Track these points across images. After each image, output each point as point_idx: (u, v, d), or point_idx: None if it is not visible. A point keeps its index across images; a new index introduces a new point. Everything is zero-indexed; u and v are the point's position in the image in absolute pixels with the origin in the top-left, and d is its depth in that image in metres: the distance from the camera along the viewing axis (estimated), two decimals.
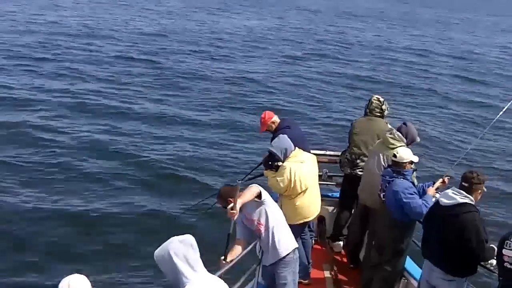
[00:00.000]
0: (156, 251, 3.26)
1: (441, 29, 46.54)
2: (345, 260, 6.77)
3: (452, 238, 4.53)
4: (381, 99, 6.73)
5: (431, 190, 5.54)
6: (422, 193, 5.52)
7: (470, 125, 17.17)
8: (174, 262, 3.16)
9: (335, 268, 6.46)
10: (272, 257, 4.94)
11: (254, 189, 4.86)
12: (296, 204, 5.65)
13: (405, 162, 5.46)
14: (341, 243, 6.96)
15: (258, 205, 4.85)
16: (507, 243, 4.18)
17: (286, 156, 5.63)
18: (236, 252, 4.84)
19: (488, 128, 7.26)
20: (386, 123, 6.67)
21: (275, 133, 6.40)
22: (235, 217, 4.63)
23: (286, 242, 4.96)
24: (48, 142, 12.11)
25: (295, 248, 5.06)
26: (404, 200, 5.25)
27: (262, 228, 4.87)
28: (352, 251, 6.67)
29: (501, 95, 22.03)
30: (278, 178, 5.50)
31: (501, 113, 6.57)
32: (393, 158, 5.53)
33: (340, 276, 6.35)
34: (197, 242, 3.19)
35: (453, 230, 4.52)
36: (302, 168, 5.66)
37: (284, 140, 5.73)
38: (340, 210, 6.99)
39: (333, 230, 7.03)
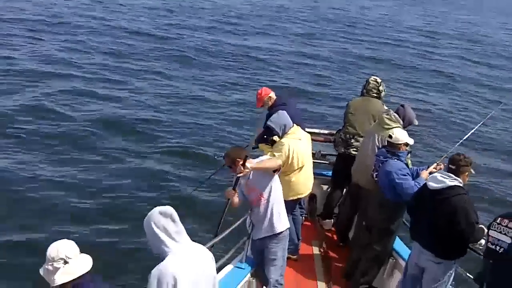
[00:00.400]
0: (144, 220, 3.30)
1: (449, 9, 46.03)
2: (334, 238, 6.82)
3: (442, 221, 4.53)
4: (379, 80, 6.70)
5: (424, 173, 5.54)
6: (416, 176, 5.51)
7: (473, 110, 17.06)
8: (155, 233, 3.22)
9: (324, 245, 6.52)
10: (266, 231, 4.93)
11: (277, 161, 4.87)
12: (292, 180, 5.66)
13: (400, 144, 5.46)
14: (331, 221, 7.01)
15: (267, 177, 4.81)
16: (493, 224, 4.25)
17: (284, 132, 5.64)
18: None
19: (486, 119, 7.24)
20: (383, 104, 6.65)
21: (271, 109, 6.37)
22: (242, 175, 4.58)
23: (284, 218, 4.98)
24: (62, 117, 12.05)
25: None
26: (397, 180, 5.26)
27: (262, 201, 4.84)
28: (342, 230, 6.71)
29: (507, 77, 22.00)
30: (276, 154, 5.48)
31: (500, 106, 6.53)
32: (388, 139, 5.53)
33: (329, 253, 6.42)
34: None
35: (443, 214, 4.52)
36: (300, 145, 5.67)
37: (283, 116, 5.72)
38: (332, 188, 7.02)
39: (324, 208, 7.07)
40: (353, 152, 6.50)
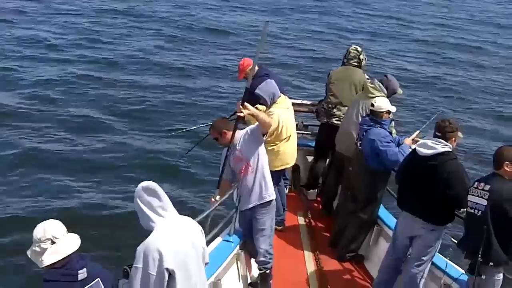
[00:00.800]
0: None
1: None
2: (319, 207, 6.87)
3: (436, 188, 4.52)
4: (359, 49, 6.71)
5: (407, 140, 5.57)
6: (399, 144, 5.52)
7: (456, 76, 17.12)
8: (141, 208, 3.23)
9: (309, 215, 6.57)
10: (254, 200, 4.91)
11: (270, 120, 4.85)
12: (279, 150, 5.66)
13: (383, 112, 5.47)
14: (316, 191, 7.06)
15: (254, 145, 4.80)
16: (471, 189, 4.32)
17: (273, 102, 5.62)
18: (223, 191, 4.89)
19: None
20: (364, 73, 6.66)
21: (253, 80, 6.29)
22: (242, 115, 4.62)
23: (271, 188, 4.98)
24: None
25: None
26: (381, 148, 5.29)
27: (249, 170, 4.82)
28: (326, 199, 6.76)
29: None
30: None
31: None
32: (371, 108, 5.53)
33: (314, 223, 6.48)
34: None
35: (438, 179, 4.50)
36: (288, 114, 5.68)
37: (271, 85, 5.68)
38: (316, 159, 7.04)
39: (307, 179, 7.11)
40: (336, 122, 6.53)
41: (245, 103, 4.67)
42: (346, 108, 6.39)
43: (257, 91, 5.60)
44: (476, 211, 4.24)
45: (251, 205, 4.96)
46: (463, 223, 4.58)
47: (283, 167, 5.84)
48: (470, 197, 4.32)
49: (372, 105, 5.52)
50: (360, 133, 5.59)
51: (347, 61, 6.64)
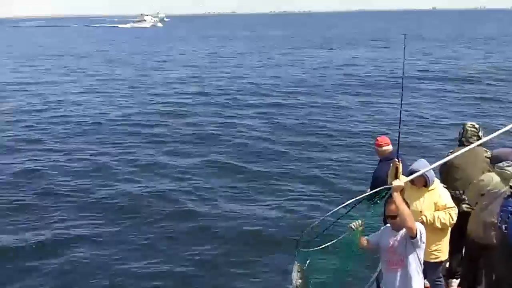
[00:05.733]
0: None
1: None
2: None
3: None
4: (476, 126, 6.57)
5: None
6: None
7: None
8: None
9: None
10: None
11: (415, 224, 4.68)
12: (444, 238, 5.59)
13: None
14: (457, 281, 6.64)
15: (412, 246, 4.64)
16: None
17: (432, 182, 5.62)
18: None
19: None
20: (485, 151, 6.37)
21: (382, 159, 6.64)
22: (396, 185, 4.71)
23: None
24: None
25: None
26: None
27: (399, 267, 4.66)
28: None
29: None
30: (452, 212, 5.46)
31: None
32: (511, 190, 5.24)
33: None
34: None
35: None
36: None
37: (428, 165, 5.56)
38: (451, 251, 6.48)
39: (447, 269, 6.71)
40: (466, 209, 6.19)
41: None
42: (474, 191, 6.05)
43: (421, 169, 5.45)
44: None
45: None
46: None
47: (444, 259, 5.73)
48: None
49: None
50: (504, 215, 5.26)
51: (466, 140, 6.31)
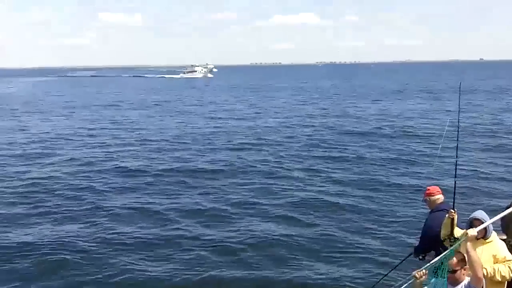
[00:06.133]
0: None
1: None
2: None
3: None
4: None
5: None
6: None
7: None
8: None
9: None
10: None
11: (480, 272, 4.82)
12: None
13: None
14: None
15: None
16: None
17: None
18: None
19: None
20: None
21: (434, 209, 6.62)
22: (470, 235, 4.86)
23: None
24: None
25: None
26: None
27: None
28: None
29: None
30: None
31: None
32: None
33: None
34: None
35: None
36: None
37: (487, 216, 5.62)
38: None
39: None
40: None
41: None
42: None
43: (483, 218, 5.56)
44: None
45: None
46: None
47: None
48: None
49: None
50: None
51: None
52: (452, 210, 5.94)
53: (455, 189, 6.21)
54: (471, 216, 5.66)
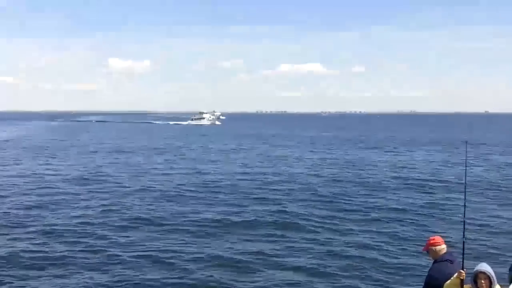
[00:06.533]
0: None
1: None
2: None
3: None
4: None
5: None
6: None
7: None
8: None
9: None
10: None
11: None
12: None
13: None
14: None
15: None
16: None
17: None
18: None
19: None
20: None
21: (438, 259, 6.64)
22: None
23: None
24: None
25: None
26: None
27: None
28: None
29: None
30: None
31: None
32: None
33: None
34: None
35: None
36: None
37: (490, 268, 5.79)
38: None
39: None
40: None
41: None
42: None
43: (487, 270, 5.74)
44: None
45: None
46: None
47: None
48: None
49: None
50: None
51: None
52: (461, 271, 6.06)
53: (463, 249, 6.32)
54: (475, 269, 5.81)
